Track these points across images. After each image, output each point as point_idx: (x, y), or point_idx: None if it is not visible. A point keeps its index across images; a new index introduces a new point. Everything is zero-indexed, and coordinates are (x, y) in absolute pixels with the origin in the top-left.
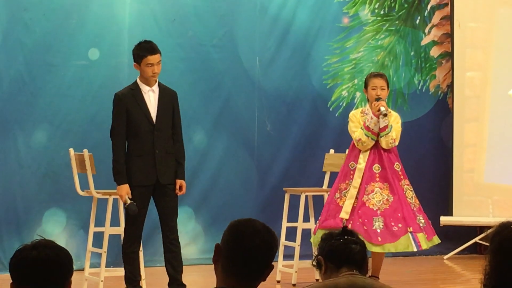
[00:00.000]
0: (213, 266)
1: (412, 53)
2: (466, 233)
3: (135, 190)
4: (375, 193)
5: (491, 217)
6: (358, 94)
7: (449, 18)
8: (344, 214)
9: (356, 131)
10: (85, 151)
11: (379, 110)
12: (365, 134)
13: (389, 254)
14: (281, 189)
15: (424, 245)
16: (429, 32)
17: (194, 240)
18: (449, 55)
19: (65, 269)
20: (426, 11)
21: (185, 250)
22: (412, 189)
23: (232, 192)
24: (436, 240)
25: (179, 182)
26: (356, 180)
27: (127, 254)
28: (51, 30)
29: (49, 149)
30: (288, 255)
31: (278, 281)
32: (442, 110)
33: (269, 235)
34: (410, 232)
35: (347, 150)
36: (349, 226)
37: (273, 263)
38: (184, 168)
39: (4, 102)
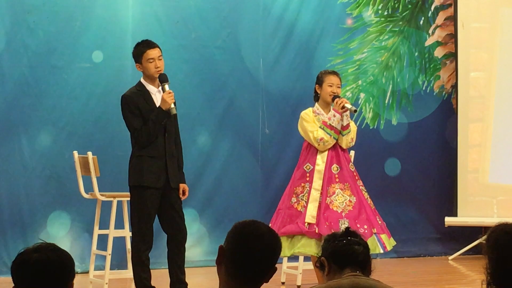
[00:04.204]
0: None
1: (416, 54)
2: (471, 233)
3: (147, 191)
4: (337, 195)
5: (496, 218)
6: (362, 95)
7: (453, 19)
8: (310, 218)
9: (314, 130)
10: (89, 153)
11: (343, 107)
12: (328, 133)
13: (393, 255)
14: None
15: (388, 246)
16: (433, 32)
17: (199, 242)
18: (453, 56)
19: (67, 272)
20: (430, 12)
21: (189, 252)
22: (366, 190)
23: (236, 193)
24: (392, 241)
25: (182, 186)
26: (317, 182)
27: (141, 259)
28: (55, 32)
29: (54, 151)
30: (293, 257)
31: (283, 283)
32: (446, 110)
33: (272, 237)
34: (375, 233)
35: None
36: (316, 230)
37: (277, 265)
38: (183, 173)
39: (8, 105)
